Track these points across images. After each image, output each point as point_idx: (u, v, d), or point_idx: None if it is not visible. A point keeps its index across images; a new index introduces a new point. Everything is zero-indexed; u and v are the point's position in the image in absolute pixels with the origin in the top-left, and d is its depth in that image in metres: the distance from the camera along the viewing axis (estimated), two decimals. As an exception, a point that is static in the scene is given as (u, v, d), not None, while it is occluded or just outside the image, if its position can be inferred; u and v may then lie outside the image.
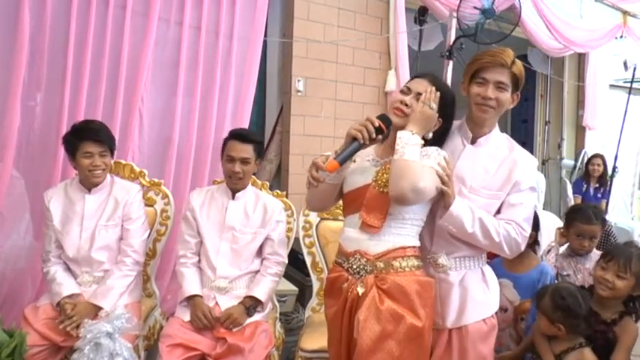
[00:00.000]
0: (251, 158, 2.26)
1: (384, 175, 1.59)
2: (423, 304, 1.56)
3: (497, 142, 1.74)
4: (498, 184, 1.66)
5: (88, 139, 2.16)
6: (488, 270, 1.77)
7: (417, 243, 1.65)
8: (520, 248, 1.67)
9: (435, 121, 1.61)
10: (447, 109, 1.66)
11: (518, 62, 1.66)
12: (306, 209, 2.48)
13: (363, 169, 1.66)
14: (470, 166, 1.68)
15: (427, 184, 1.52)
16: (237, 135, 2.28)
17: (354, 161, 1.65)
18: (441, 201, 1.61)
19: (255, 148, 2.28)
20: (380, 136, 1.56)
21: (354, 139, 1.53)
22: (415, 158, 1.52)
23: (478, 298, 1.68)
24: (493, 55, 1.64)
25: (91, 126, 2.22)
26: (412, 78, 1.72)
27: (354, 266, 1.60)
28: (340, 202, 1.77)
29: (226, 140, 2.30)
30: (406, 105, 1.60)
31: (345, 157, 1.53)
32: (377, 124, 1.54)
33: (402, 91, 1.66)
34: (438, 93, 1.60)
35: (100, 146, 2.19)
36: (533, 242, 2.36)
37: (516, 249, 1.66)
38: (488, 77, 1.64)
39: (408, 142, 1.53)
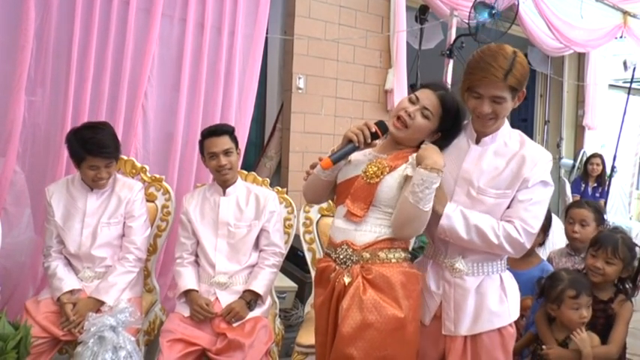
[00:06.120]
0: (232, 148, 2.28)
1: (372, 167, 1.62)
2: (407, 295, 1.56)
3: (507, 138, 1.64)
4: (507, 181, 1.58)
5: (96, 154, 2.12)
6: (508, 276, 1.69)
7: None
8: (525, 247, 1.58)
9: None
10: (448, 123, 1.65)
11: (517, 67, 1.52)
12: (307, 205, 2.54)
13: (357, 162, 1.68)
14: (475, 166, 1.62)
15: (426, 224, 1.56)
16: (210, 132, 2.30)
17: (350, 161, 1.69)
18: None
19: (231, 137, 2.30)
20: (375, 141, 1.63)
21: (350, 141, 1.59)
22: (429, 209, 1.53)
23: (494, 307, 1.62)
24: (485, 69, 1.51)
25: (99, 137, 2.13)
26: (423, 86, 1.68)
27: (341, 256, 1.62)
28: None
29: (201, 142, 2.31)
30: (409, 116, 1.60)
31: (338, 157, 1.60)
32: (374, 130, 1.60)
33: (410, 100, 1.63)
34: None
35: (107, 159, 2.16)
36: (540, 243, 2.37)
37: (520, 248, 1.58)
38: (482, 92, 1.54)
39: (429, 187, 1.50)
